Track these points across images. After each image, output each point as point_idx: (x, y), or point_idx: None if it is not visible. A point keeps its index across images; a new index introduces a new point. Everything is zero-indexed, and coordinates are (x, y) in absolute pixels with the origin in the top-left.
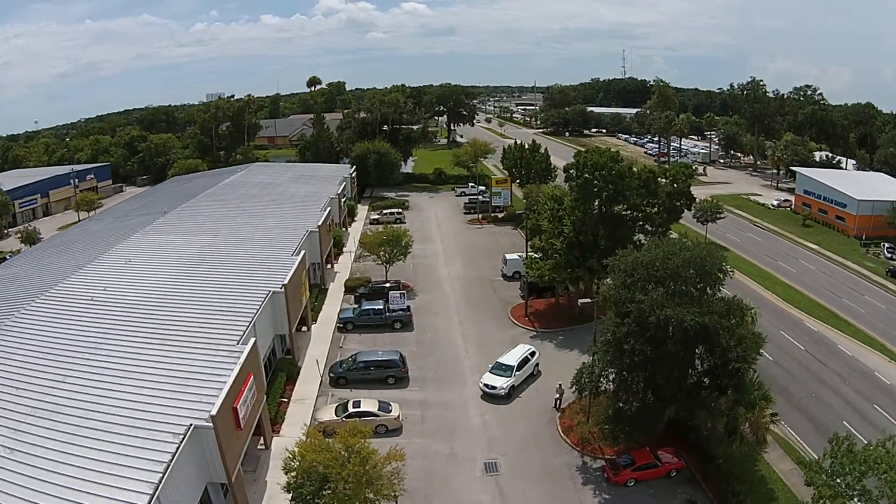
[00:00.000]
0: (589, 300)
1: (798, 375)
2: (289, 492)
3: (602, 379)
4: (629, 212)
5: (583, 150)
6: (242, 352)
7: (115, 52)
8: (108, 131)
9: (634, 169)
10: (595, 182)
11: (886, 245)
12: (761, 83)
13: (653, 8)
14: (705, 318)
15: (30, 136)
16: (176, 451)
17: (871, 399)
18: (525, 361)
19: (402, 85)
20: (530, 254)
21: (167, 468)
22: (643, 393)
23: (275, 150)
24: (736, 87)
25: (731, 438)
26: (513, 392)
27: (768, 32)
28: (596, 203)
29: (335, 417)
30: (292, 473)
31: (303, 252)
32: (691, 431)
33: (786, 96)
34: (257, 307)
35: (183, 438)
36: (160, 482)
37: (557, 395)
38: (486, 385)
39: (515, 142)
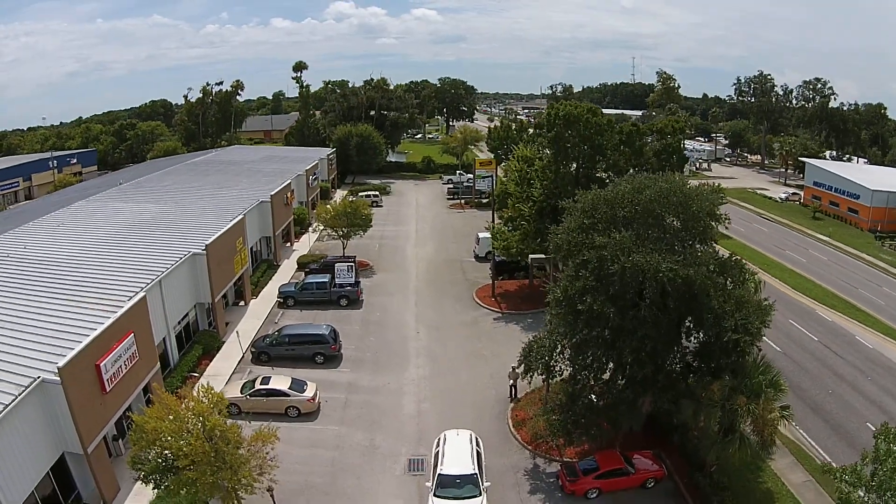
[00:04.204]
0: (542, 255)
1: (811, 369)
2: (133, 468)
3: (558, 356)
4: (609, 173)
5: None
6: (123, 306)
7: (124, 52)
8: (105, 123)
9: (616, 125)
10: (569, 137)
11: None
12: (769, 76)
13: (659, 19)
14: (690, 269)
15: (32, 130)
16: (9, 404)
17: None
18: (478, 455)
19: (410, 82)
20: (497, 223)
21: None
22: (610, 375)
23: (270, 143)
24: (743, 80)
25: (728, 439)
26: None
27: (775, 45)
28: (574, 166)
29: (240, 395)
30: (140, 444)
31: (241, 216)
32: (676, 429)
33: (794, 91)
34: (168, 267)
35: (23, 391)
36: None
37: (511, 382)
38: None
39: (501, 122)
